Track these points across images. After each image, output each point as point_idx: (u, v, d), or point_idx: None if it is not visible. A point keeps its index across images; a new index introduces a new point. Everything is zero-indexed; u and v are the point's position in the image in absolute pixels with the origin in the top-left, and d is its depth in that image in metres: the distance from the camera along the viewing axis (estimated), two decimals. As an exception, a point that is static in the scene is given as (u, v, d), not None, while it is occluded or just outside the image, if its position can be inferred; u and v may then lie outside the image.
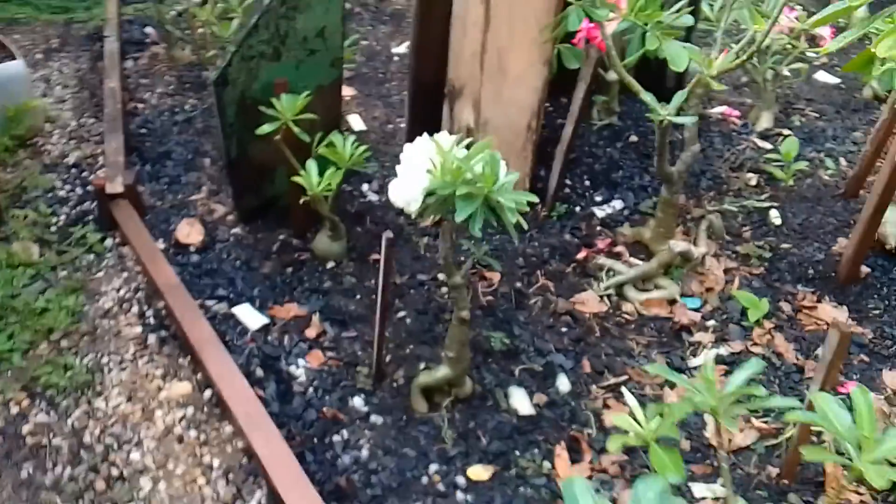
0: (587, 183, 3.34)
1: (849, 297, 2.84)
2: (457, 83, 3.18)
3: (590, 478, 2.22)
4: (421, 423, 2.37)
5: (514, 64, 2.92)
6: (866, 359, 2.61)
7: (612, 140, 3.55)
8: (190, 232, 3.06)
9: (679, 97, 2.29)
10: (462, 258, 2.87)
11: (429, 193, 1.97)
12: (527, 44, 2.86)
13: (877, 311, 2.78)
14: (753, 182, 3.39)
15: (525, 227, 1.95)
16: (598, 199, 3.29)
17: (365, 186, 3.37)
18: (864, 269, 2.91)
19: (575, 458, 2.29)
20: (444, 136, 2.09)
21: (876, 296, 2.84)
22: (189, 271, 2.86)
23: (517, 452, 2.30)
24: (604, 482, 2.20)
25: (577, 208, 3.24)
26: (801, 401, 2.18)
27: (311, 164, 2.55)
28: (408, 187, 1.94)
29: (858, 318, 2.75)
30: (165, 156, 3.51)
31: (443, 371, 2.36)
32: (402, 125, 3.83)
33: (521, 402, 2.44)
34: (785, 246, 3.06)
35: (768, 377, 2.55)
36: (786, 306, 2.80)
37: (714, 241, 3.08)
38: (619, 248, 3.07)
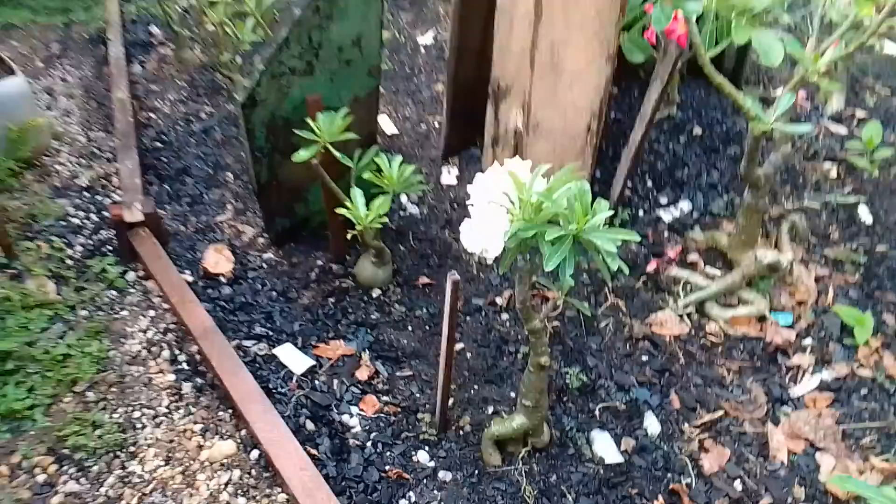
0: (649, 183, 3.03)
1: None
2: (503, 82, 2.86)
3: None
4: (496, 478, 2.10)
5: (570, 60, 2.59)
6: None
7: (673, 134, 3.23)
8: (219, 260, 2.78)
9: (786, 102, 1.97)
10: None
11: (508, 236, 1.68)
12: (586, 37, 2.53)
13: None
14: (833, 173, 3.07)
15: (626, 270, 1.65)
16: (664, 200, 2.98)
17: (404, 198, 3.08)
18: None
19: (676, 512, 2.02)
20: (518, 164, 1.79)
21: None
22: (221, 307, 2.58)
23: (608, 510, 2.03)
24: (714, 545, 1.93)
25: (641, 212, 2.94)
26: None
27: (357, 194, 2.25)
28: (484, 231, 1.65)
29: (975, 330, 2.45)
30: (184, 172, 3.22)
31: (518, 420, 2.09)
32: (436, 124, 3.52)
33: (606, 448, 2.17)
34: (881, 248, 2.74)
35: (881, 405, 2.26)
36: (890, 319, 2.50)
37: (799, 244, 2.77)
38: (692, 257, 2.77)
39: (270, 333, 2.49)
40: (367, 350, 2.43)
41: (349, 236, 2.34)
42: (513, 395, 2.30)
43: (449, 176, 3.21)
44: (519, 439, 2.13)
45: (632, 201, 2.97)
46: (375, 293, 2.62)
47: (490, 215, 1.64)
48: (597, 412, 2.25)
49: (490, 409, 2.26)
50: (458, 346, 2.46)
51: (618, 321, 2.54)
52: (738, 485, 2.07)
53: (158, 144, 3.38)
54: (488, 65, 2.87)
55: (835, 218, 2.88)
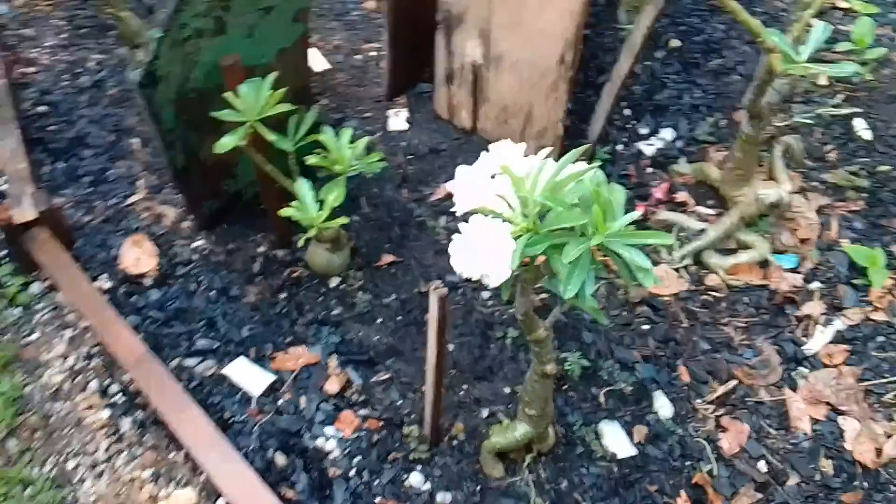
0: (627, 112, 2.68)
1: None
2: (455, 8, 2.40)
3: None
4: (501, 493, 1.86)
5: (537, -22, 2.16)
6: None
7: (649, 48, 2.85)
8: (139, 256, 2.34)
9: (819, 34, 1.62)
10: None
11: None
12: (555, -50, 2.09)
13: None
14: (822, 80, 2.77)
15: (658, 280, 1.34)
16: (644, 131, 2.64)
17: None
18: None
19: (702, 510, 1.84)
20: (509, 149, 1.42)
21: None
22: (151, 318, 2.18)
23: (629, 513, 1.84)
24: (749, 545, 1.77)
25: (620, 146, 2.61)
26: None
27: (304, 186, 1.82)
28: (482, 252, 1.29)
29: None
30: (79, 142, 2.68)
31: (522, 430, 1.83)
32: (373, 53, 3.04)
33: (617, 441, 1.94)
34: (884, 168, 2.51)
35: (899, 352, 2.10)
36: (900, 250, 2.31)
37: (795, 169, 2.51)
38: (681, 196, 2.48)
39: (216, 345, 2.12)
40: (333, 354, 2.10)
41: (303, 240, 1.93)
42: (507, 390, 2.03)
43: (398, 119, 2.77)
44: (522, 447, 1.89)
45: (609, 135, 2.63)
46: (333, 282, 2.26)
47: (488, 231, 1.29)
48: (601, 398, 2.01)
49: (485, 412, 1.99)
50: (437, 335, 2.16)
51: (610, 284, 2.27)
52: (762, 465, 1.90)
53: (42, 109, 2.81)
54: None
55: (830, 135, 2.61)
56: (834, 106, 2.64)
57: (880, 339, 2.11)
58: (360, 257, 2.32)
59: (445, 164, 2.60)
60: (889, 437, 1.92)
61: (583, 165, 1.41)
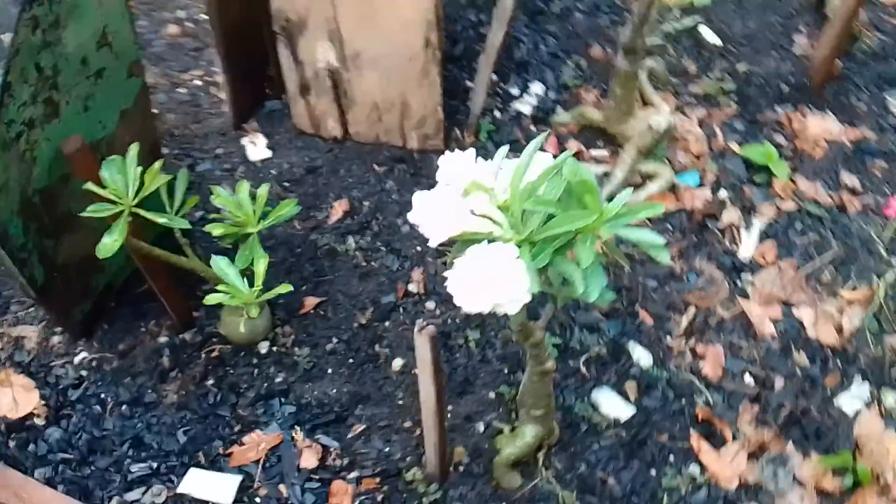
0: (494, 76, 2.59)
1: (830, 101, 2.52)
2: (292, 14, 2.16)
3: (752, 457, 1.80)
4: (527, 501, 1.76)
5: (381, -39, 1.98)
6: (885, 164, 2.37)
7: (489, 2, 2.76)
8: (14, 396, 1.93)
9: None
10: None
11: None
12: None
13: (862, 106, 2.51)
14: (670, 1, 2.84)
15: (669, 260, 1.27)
16: (514, 91, 2.57)
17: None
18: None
19: (716, 442, 1.85)
20: (458, 158, 1.27)
21: (852, 87, 2.56)
22: (64, 462, 1.81)
23: (653, 472, 1.80)
24: (771, 459, 1.79)
25: (498, 113, 2.52)
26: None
27: (223, 264, 1.54)
28: (496, 282, 1.14)
29: (849, 120, 2.47)
30: None
31: (530, 433, 1.72)
32: (199, 82, 2.71)
33: (614, 405, 1.90)
34: (741, 68, 2.63)
35: (818, 233, 2.21)
36: (780, 139, 2.43)
37: (664, 90, 2.57)
38: (571, 145, 2.46)
39: (156, 465, 1.80)
40: (295, 426, 1.86)
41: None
42: (492, 395, 1.91)
43: (257, 147, 2.50)
44: (534, 449, 1.78)
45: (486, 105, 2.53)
46: (262, 348, 1.99)
47: (493, 258, 1.14)
48: (583, 369, 1.95)
49: (480, 427, 1.86)
50: (398, 362, 1.98)
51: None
52: (748, 379, 1.94)
53: None
54: (262, -3, 2.15)
55: (682, 49, 2.70)
56: (677, 22, 2.72)
57: (798, 225, 2.23)
58: (280, 310, 2.06)
59: (328, 180, 2.39)
60: (842, 312, 2.04)
61: (548, 156, 1.30)
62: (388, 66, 2.20)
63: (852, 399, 1.90)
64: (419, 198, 1.27)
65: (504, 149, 1.31)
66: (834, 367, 1.95)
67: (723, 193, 2.31)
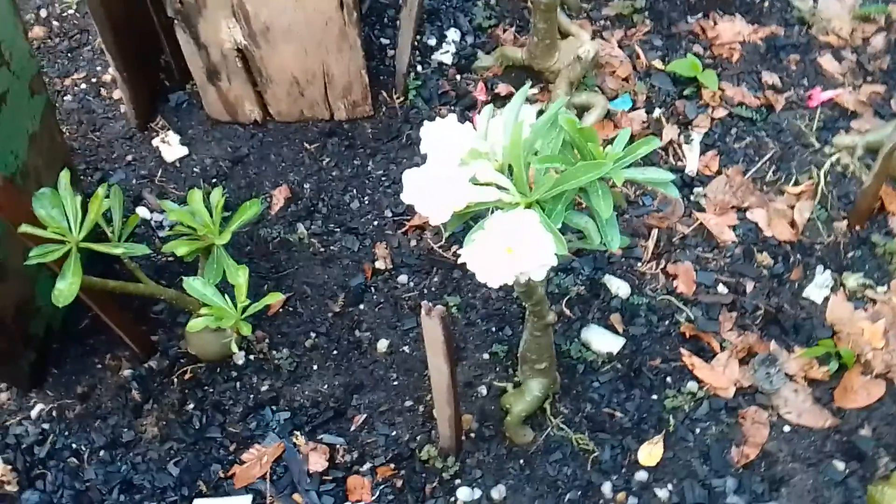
0: (398, 20, 2.47)
1: (736, 4, 2.54)
2: (190, -7, 1.96)
3: (743, 362, 1.87)
4: (545, 453, 1.76)
5: (281, -77, 1.81)
6: (798, 57, 2.44)
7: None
8: (-27, 468, 1.73)
9: None
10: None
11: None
12: None
13: (766, 4, 2.57)
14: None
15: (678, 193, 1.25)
16: (431, 42, 2.46)
17: (144, 210, 2.16)
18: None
19: (706, 356, 1.90)
20: (442, 124, 1.20)
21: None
22: (49, 526, 1.66)
23: (654, 397, 1.84)
24: (761, 361, 1.86)
25: (420, 68, 2.42)
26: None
27: (198, 284, 1.39)
28: (521, 250, 1.08)
29: (757, 20, 2.52)
30: None
31: (537, 387, 1.71)
32: (83, 86, 2.44)
33: (605, 340, 1.91)
34: (647, -18, 2.63)
35: (753, 135, 2.27)
36: (699, 49, 2.46)
37: (578, 17, 2.53)
38: (501, 88, 2.40)
39: (154, 505, 1.68)
40: (295, 431, 1.76)
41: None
42: (486, 356, 1.88)
43: (171, 147, 2.29)
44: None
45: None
46: (239, 359, 1.86)
47: (515, 225, 1.08)
48: (566, 311, 1.95)
49: (483, 390, 1.83)
50: (383, 346, 1.91)
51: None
52: (721, 289, 2.00)
53: None
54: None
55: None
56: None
57: (733, 131, 2.28)
58: (250, 317, 1.93)
59: (259, 168, 2.23)
60: (792, 207, 2.12)
61: (532, 109, 1.25)
62: (302, 35, 2.05)
63: (818, 288, 1.99)
64: (410, 176, 1.19)
65: (489, 108, 1.25)
66: (795, 261, 2.04)
67: (657, 112, 2.33)
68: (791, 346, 1.90)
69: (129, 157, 2.29)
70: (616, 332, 1.93)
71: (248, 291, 1.50)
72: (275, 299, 1.47)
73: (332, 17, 2.01)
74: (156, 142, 2.31)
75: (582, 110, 2.32)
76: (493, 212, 1.17)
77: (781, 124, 2.28)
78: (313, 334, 1.92)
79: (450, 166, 1.15)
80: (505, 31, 2.51)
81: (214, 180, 2.23)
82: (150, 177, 2.24)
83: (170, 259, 2.01)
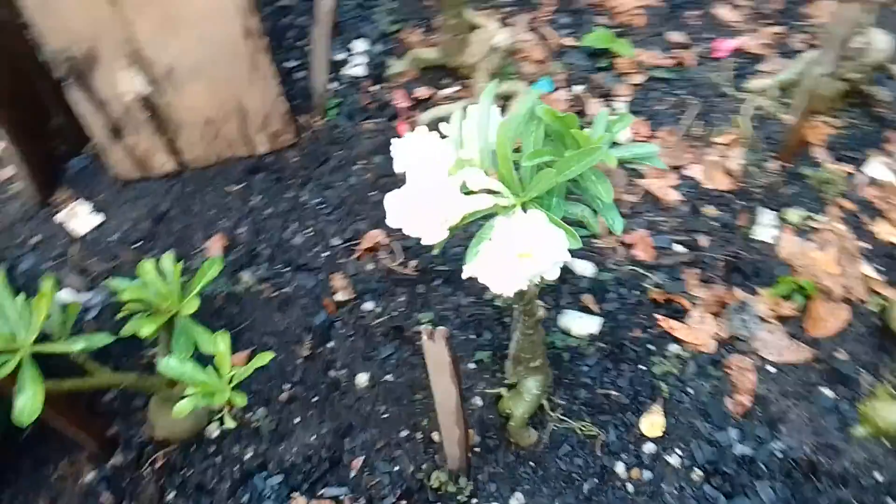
0: (301, 39, 2.37)
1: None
2: (76, 48, 1.79)
3: (716, 315, 1.90)
4: (553, 448, 1.72)
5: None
6: (696, 12, 2.51)
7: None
8: None
9: None
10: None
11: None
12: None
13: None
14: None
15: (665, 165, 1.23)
16: (341, 56, 2.38)
17: (67, 294, 1.97)
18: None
19: (681, 317, 1.92)
20: (415, 139, 1.15)
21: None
22: None
23: (642, 367, 1.84)
24: (733, 310, 1.90)
25: (334, 85, 2.32)
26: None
27: (173, 363, 1.25)
28: (538, 251, 1.03)
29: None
30: None
31: (534, 385, 1.67)
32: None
33: (583, 323, 1.89)
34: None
35: (672, 92, 2.32)
36: (604, 19, 2.49)
37: (482, 7, 2.51)
38: (419, 92, 2.34)
39: None
40: (293, 493, 1.65)
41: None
42: (472, 366, 1.82)
43: (81, 218, 2.11)
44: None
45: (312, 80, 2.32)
46: (213, 431, 1.72)
47: (530, 227, 1.03)
48: (540, 302, 1.92)
49: (478, 401, 1.77)
50: (363, 380, 1.82)
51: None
52: (678, 248, 2.03)
53: None
54: (18, 43, 1.76)
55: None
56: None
57: (653, 94, 2.32)
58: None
59: (185, 222, 2.09)
60: (724, 157, 2.18)
61: (495, 109, 1.20)
62: (210, 71, 1.92)
63: (765, 228, 2.06)
64: (393, 199, 1.12)
65: (458, 113, 1.19)
66: (738, 207, 2.09)
67: (577, 89, 2.34)
68: (755, 289, 1.95)
69: (35, 239, 2.09)
70: (592, 313, 1.92)
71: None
72: (265, 360, 1.36)
73: (239, 47, 1.89)
74: (61, 216, 2.12)
75: (508, 99, 2.30)
76: (488, 218, 1.12)
77: (696, 79, 2.34)
78: (287, 385, 1.81)
79: (435, 180, 1.09)
80: (412, 33, 2.46)
81: (139, 244, 2.06)
82: (63, 256, 2.05)
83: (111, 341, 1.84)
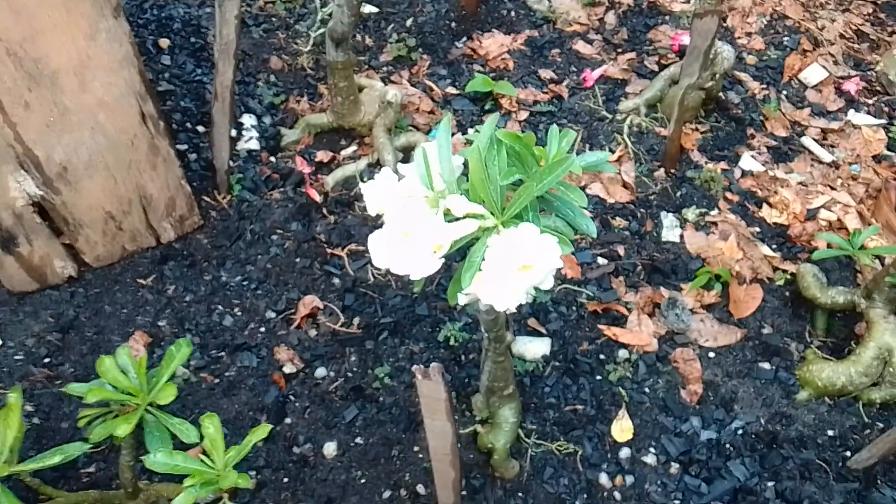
0: (200, 129, 2.29)
1: (489, 21, 2.76)
2: (-43, 155, 1.63)
3: (651, 315, 2.01)
4: (535, 474, 1.72)
5: (56, 51, 1.58)
6: (558, 49, 2.71)
7: (156, 24, 2.40)
8: None
9: None
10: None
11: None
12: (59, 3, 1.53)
13: (512, 14, 2.81)
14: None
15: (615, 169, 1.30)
16: (232, 133, 2.32)
17: None
18: None
19: (621, 322, 2.00)
20: (382, 180, 1.17)
21: (497, 2, 2.84)
22: None
23: (598, 377, 1.90)
24: (667, 306, 2.01)
25: (231, 162, 2.26)
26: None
27: (164, 458, 1.12)
28: (538, 265, 1.06)
29: (512, 29, 2.75)
30: None
31: (511, 413, 1.67)
32: None
33: (533, 346, 1.93)
34: (409, 23, 2.72)
35: (557, 125, 2.46)
36: (478, 67, 2.62)
37: (362, 71, 2.56)
38: (320, 156, 2.34)
39: None
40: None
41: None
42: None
43: (-26, 344, 1.88)
44: (512, 428, 1.74)
45: (208, 154, 2.24)
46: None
47: (524, 245, 1.05)
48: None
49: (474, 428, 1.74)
50: (331, 450, 1.73)
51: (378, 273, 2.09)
52: (601, 261, 2.13)
53: None
54: None
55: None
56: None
57: (540, 127, 2.46)
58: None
59: (98, 326, 1.92)
60: (619, 172, 2.34)
61: (438, 142, 1.23)
62: (108, 162, 1.81)
63: (670, 230, 2.22)
64: (377, 240, 1.12)
65: (420, 150, 1.21)
66: (643, 215, 2.25)
67: (470, 132, 2.44)
68: (678, 285, 2.09)
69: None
70: (540, 334, 1.97)
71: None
72: (264, 433, 1.26)
73: (136, 133, 1.81)
74: (-50, 346, 1.88)
75: (408, 150, 2.35)
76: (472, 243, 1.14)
77: (575, 108, 2.52)
78: (253, 472, 1.68)
79: (418, 213, 1.09)
80: (298, 101, 2.46)
81: (47, 360, 1.87)
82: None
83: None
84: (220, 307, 1.97)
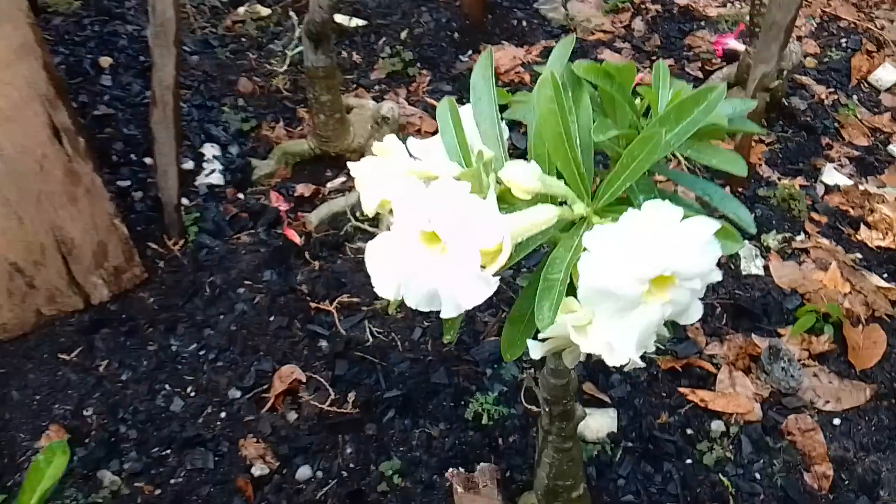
0: (147, 161, 1.82)
1: (498, 33, 2.35)
2: None
3: (747, 371, 1.50)
4: None
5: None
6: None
7: (96, 42, 1.96)
8: None
9: None
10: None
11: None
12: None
13: (524, 24, 2.41)
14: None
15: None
16: (189, 165, 1.85)
17: None
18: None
19: (707, 383, 1.49)
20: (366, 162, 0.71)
21: (505, 10, 2.44)
22: None
23: (688, 461, 1.37)
24: (769, 358, 1.51)
25: (187, 200, 1.79)
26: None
27: None
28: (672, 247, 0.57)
29: (523, 41, 2.34)
30: None
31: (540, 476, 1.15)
32: None
33: (595, 421, 1.40)
34: (404, 36, 2.29)
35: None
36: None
37: (350, 91, 2.13)
38: (300, 189, 1.87)
39: None
40: None
41: None
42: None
43: None
44: None
45: (157, 196, 1.77)
46: None
47: (661, 236, 0.57)
48: (532, 408, 1.43)
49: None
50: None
51: (378, 333, 1.59)
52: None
53: None
54: None
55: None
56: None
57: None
58: None
59: (2, 418, 1.41)
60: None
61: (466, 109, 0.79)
62: (7, 196, 1.33)
63: (751, 260, 1.72)
64: (376, 251, 0.65)
65: (444, 106, 0.75)
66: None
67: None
68: (776, 330, 1.59)
69: None
70: (602, 405, 1.46)
71: None
72: None
73: (46, 153, 1.34)
74: None
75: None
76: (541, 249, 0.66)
77: (610, 122, 2.08)
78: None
79: (453, 198, 0.61)
80: (272, 127, 2.01)
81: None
82: None
83: None
84: (166, 387, 1.46)
